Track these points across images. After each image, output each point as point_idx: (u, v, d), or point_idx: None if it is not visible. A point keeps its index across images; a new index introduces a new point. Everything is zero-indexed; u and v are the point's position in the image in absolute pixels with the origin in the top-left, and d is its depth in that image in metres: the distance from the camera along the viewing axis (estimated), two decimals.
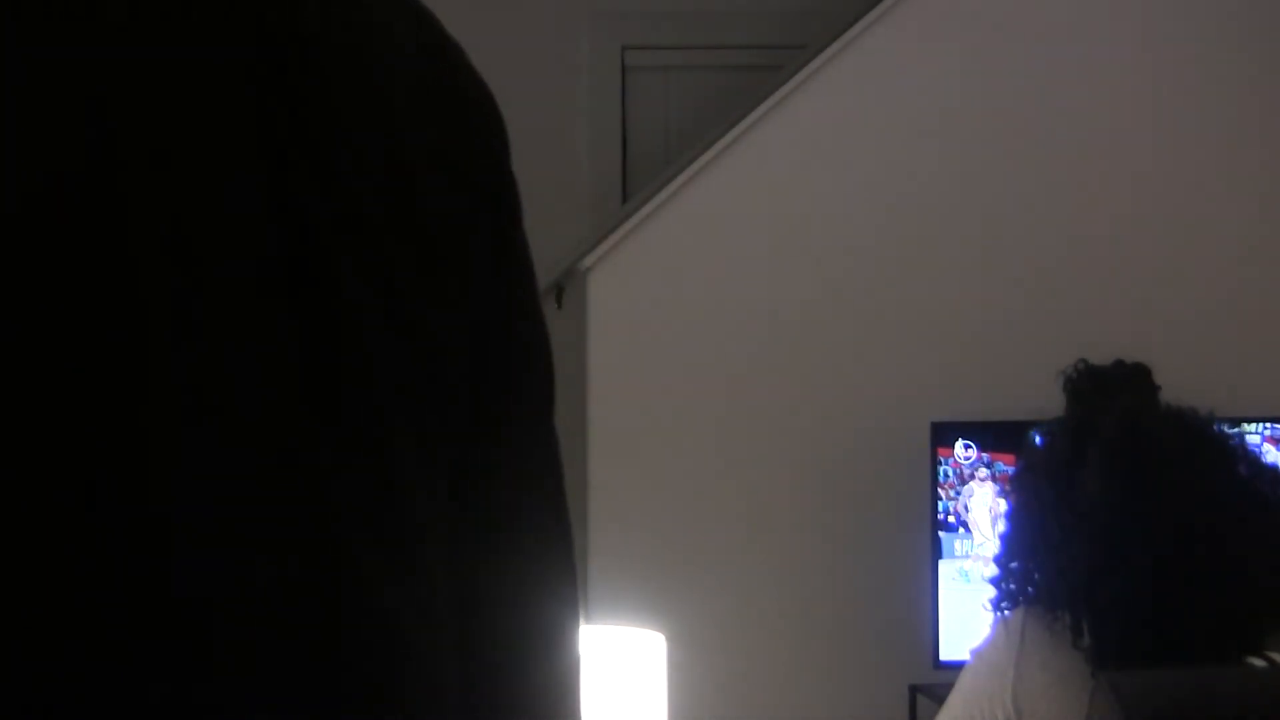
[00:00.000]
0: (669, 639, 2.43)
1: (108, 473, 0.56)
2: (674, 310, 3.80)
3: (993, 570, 2.34)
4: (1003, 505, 3.23)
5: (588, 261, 3.83)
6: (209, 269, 0.59)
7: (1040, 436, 2.34)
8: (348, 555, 0.60)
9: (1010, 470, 3.37)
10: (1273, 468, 2.28)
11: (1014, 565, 2.26)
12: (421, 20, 0.72)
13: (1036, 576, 2.22)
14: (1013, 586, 2.26)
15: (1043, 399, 2.46)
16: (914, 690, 3.62)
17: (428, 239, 0.67)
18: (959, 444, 3.57)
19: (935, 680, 3.47)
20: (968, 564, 3.54)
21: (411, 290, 0.65)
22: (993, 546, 2.54)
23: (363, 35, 0.69)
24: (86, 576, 0.54)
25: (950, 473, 3.56)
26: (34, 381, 0.54)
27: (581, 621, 0.70)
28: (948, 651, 3.48)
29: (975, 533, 3.54)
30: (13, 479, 0.54)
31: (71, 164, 0.57)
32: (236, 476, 0.57)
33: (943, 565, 3.54)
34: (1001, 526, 2.42)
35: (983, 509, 3.54)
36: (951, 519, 3.56)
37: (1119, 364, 2.33)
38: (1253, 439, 3.58)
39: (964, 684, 2.25)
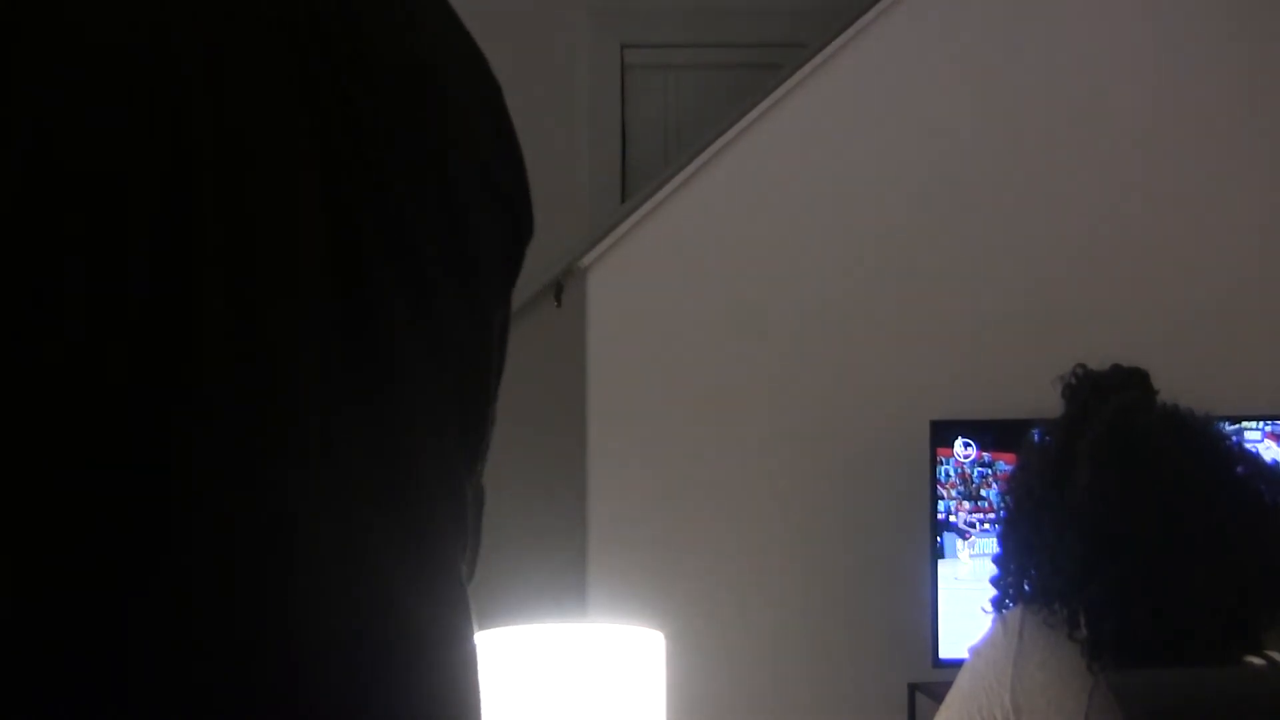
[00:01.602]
0: (668, 637, 2.43)
1: (145, 447, 0.56)
2: (673, 308, 3.80)
3: (992, 570, 2.34)
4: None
5: (587, 260, 3.83)
6: (265, 261, 0.59)
7: (1036, 436, 2.35)
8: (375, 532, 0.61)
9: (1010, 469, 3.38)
10: (1271, 467, 2.28)
11: (1011, 565, 2.26)
12: (461, 30, 0.73)
13: (1033, 574, 2.22)
14: (1010, 585, 2.26)
15: (1042, 398, 2.46)
16: (913, 688, 3.62)
17: (469, 256, 0.68)
18: (959, 443, 3.57)
19: (934, 678, 3.47)
20: (964, 569, 3.55)
21: (447, 304, 0.66)
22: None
23: (415, 39, 0.69)
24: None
25: (952, 472, 3.56)
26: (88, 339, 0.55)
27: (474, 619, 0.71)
28: (947, 650, 3.49)
29: None
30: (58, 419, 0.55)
31: (151, 153, 0.57)
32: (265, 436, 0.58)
33: (943, 565, 3.54)
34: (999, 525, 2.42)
35: None
36: (954, 518, 3.56)
37: (1116, 369, 2.33)
38: (1252, 436, 3.58)
39: (963, 682, 2.25)
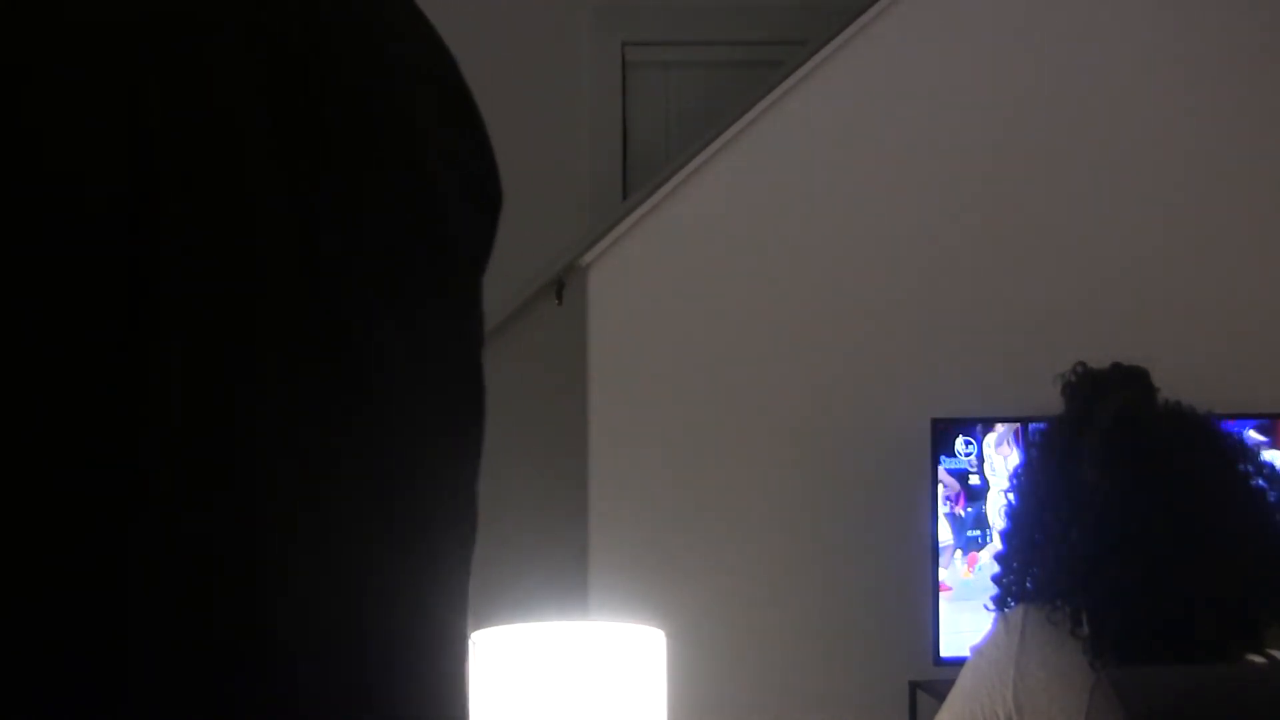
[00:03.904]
0: (669, 636, 2.43)
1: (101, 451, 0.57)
2: (674, 306, 3.80)
3: (995, 567, 2.34)
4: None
5: (588, 258, 3.83)
6: (232, 275, 0.59)
7: (1039, 432, 2.35)
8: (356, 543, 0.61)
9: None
10: (1271, 466, 2.28)
11: (1014, 563, 2.27)
12: (420, 17, 0.72)
13: (1036, 570, 2.22)
14: (1013, 583, 2.26)
15: (1043, 396, 2.47)
16: (914, 687, 3.62)
17: (449, 259, 0.67)
18: (960, 441, 3.57)
19: (935, 677, 3.47)
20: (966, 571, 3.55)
21: (428, 310, 0.66)
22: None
23: (384, 38, 0.69)
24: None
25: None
26: (51, 352, 0.55)
27: (469, 626, 0.70)
28: (948, 648, 3.49)
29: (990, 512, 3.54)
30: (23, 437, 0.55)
31: (113, 167, 0.57)
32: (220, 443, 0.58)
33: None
34: (1003, 523, 2.42)
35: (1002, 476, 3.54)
36: (961, 513, 3.56)
37: (1116, 367, 2.34)
38: (1255, 436, 3.58)
39: (964, 681, 2.25)
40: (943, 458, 3.57)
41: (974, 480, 3.58)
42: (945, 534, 3.57)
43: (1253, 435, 3.57)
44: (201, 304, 0.59)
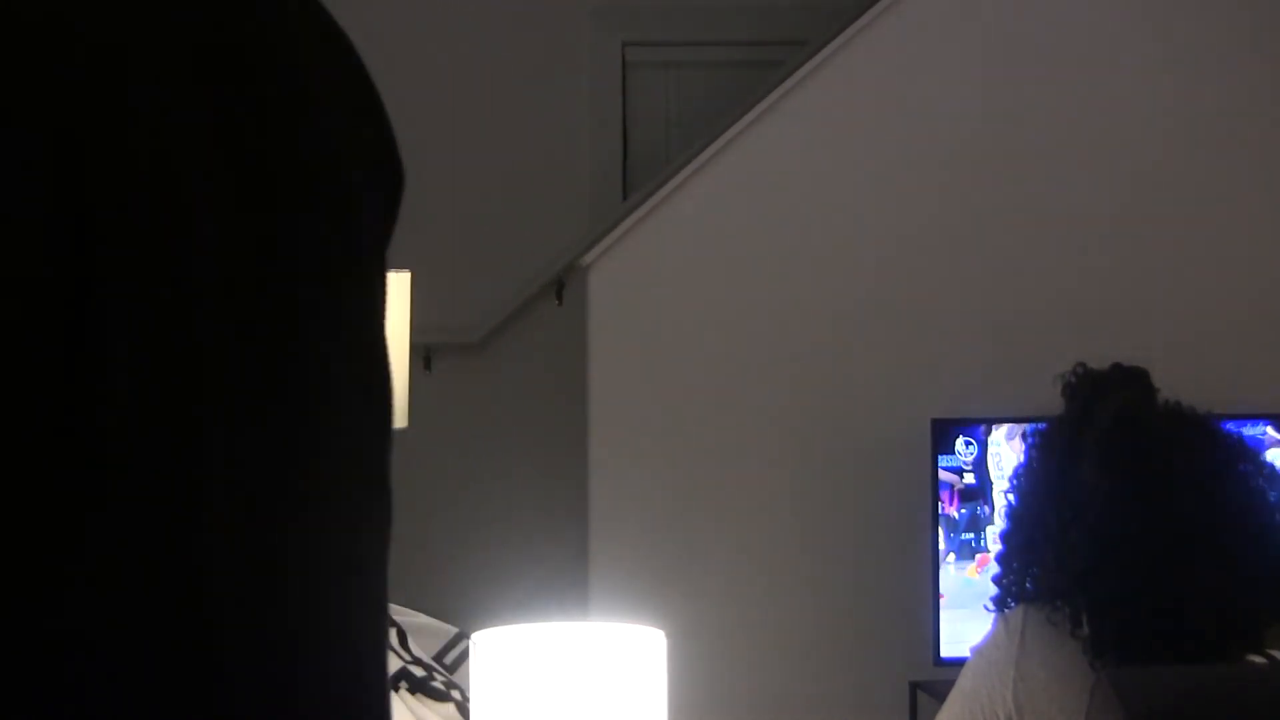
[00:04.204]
0: (670, 636, 2.43)
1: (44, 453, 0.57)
2: (675, 306, 3.80)
3: (994, 568, 2.34)
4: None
5: (588, 258, 3.83)
6: (166, 279, 0.60)
7: (1039, 433, 2.35)
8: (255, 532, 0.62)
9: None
10: (1272, 466, 2.28)
11: (1014, 563, 2.26)
12: (324, 13, 0.72)
13: (1036, 570, 2.22)
14: (1013, 584, 2.26)
15: (1043, 396, 2.46)
16: (914, 687, 3.62)
17: (360, 249, 0.68)
18: (960, 441, 3.57)
19: (936, 677, 3.47)
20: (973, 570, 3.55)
21: (348, 305, 0.67)
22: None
23: (293, 31, 0.69)
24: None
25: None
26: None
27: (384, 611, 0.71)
28: (948, 649, 3.49)
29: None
30: None
31: (37, 165, 0.58)
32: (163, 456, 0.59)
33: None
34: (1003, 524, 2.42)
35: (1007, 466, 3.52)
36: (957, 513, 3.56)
37: (1116, 367, 2.33)
38: (1255, 435, 3.58)
39: (965, 681, 2.25)
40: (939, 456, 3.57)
41: (969, 479, 3.57)
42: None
43: (1272, 433, 3.57)
44: (141, 316, 0.59)
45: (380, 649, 0.67)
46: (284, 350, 0.63)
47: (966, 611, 3.39)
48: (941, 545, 3.55)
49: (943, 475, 3.56)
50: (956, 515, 3.57)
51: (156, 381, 0.59)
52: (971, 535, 3.56)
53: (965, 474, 3.57)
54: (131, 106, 0.60)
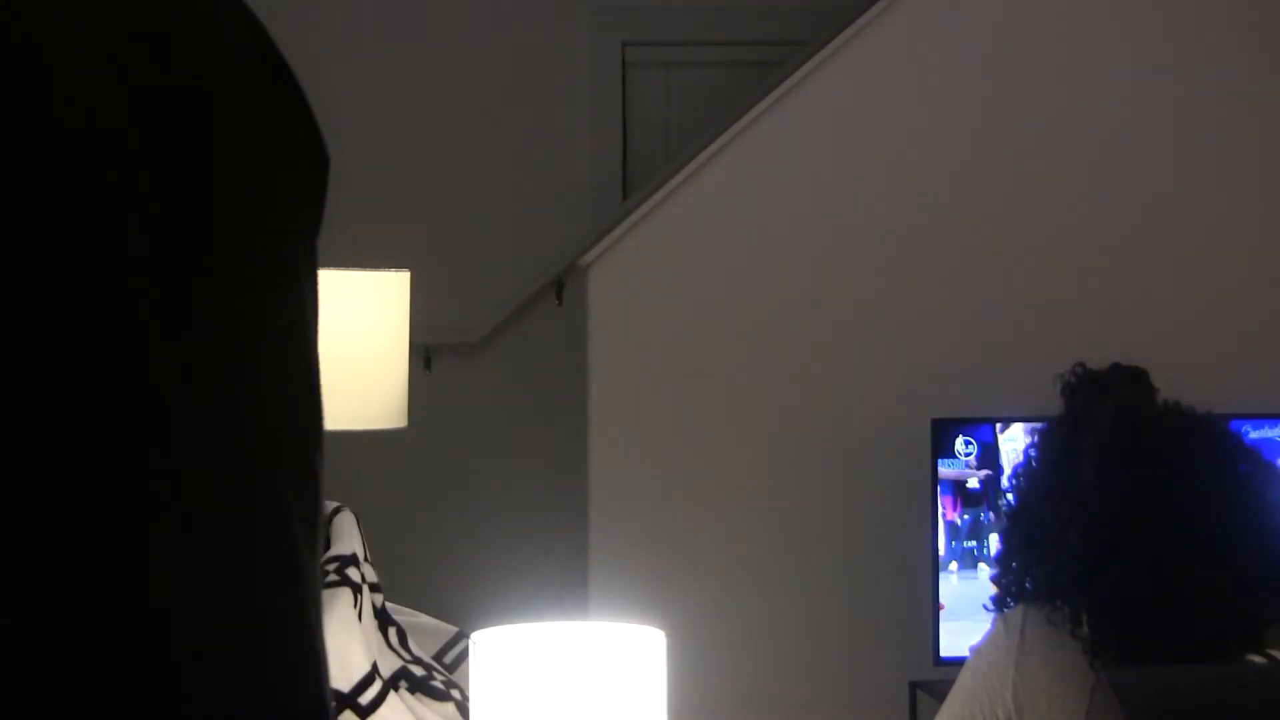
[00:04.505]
0: (670, 635, 2.43)
1: None
2: (674, 306, 3.80)
3: (993, 568, 2.34)
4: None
5: (588, 258, 3.83)
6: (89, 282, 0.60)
7: (1039, 433, 2.35)
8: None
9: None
10: (1272, 466, 2.28)
11: (1013, 563, 2.26)
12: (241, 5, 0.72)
13: (1035, 570, 2.22)
14: (1012, 584, 2.26)
15: (1043, 396, 2.46)
16: (914, 687, 3.62)
17: (280, 236, 0.68)
18: (959, 440, 3.57)
19: (935, 677, 3.47)
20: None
21: (268, 286, 0.67)
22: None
23: (212, 26, 0.69)
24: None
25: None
26: None
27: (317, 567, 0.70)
28: (948, 648, 3.49)
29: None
30: None
31: None
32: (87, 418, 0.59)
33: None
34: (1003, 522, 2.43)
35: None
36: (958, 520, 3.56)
37: (1116, 367, 2.34)
38: (1259, 434, 3.58)
39: (964, 681, 2.25)
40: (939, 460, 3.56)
41: (972, 484, 3.56)
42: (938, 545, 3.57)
43: (1258, 433, 3.57)
44: (70, 308, 0.59)
45: (315, 639, 0.67)
46: (209, 335, 0.63)
47: (967, 623, 3.35)
48: (942, 552, 3.54)
49: (945, 473, 3.55)
50: (959, 521, 3.55)
51: (86, 370, 0.59)
52: (974, 543, 3.55)
53: (970, 479, 3.54)
54: (55, 93, 0.60)
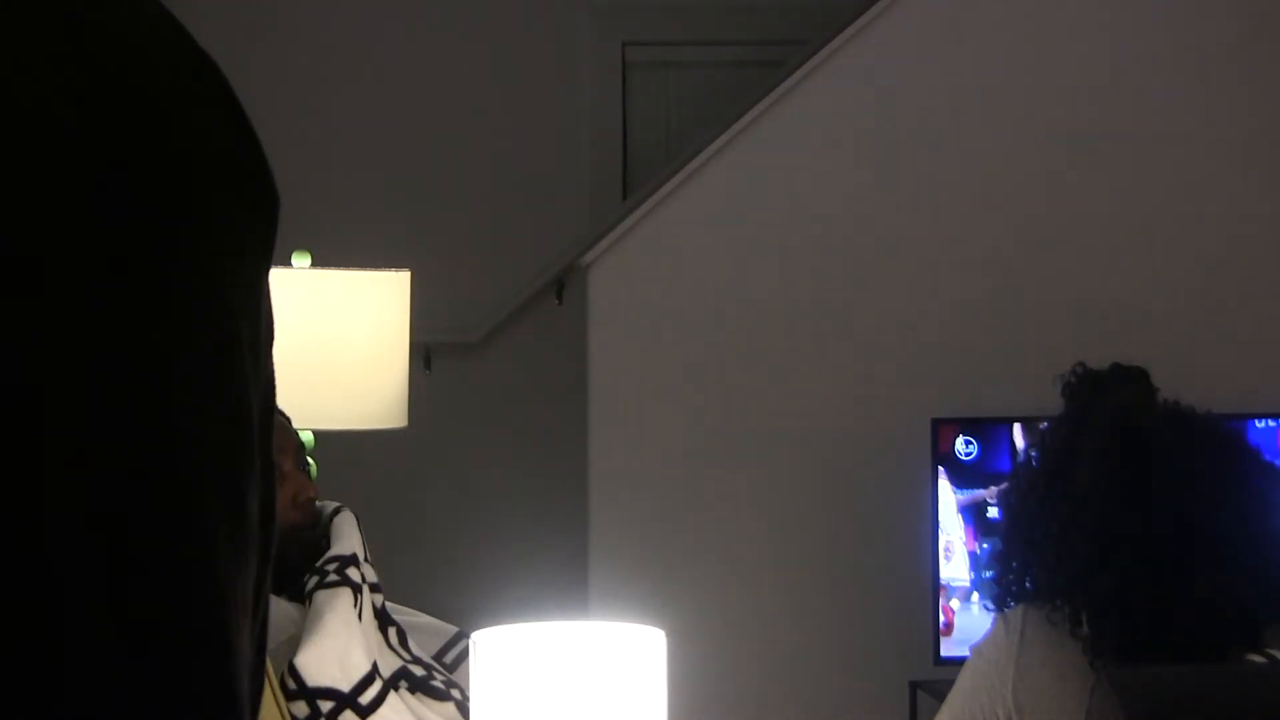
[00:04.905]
0: (670, 635, 2.43)
1: None
2: (674, 306, 3.80)
3: (992, 568, 2.34)
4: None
5: (588, 257, 3.83)
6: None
7: (1039, 433, 2.35)
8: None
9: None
10: (1273, 466, 2.28)
11: (1013, 563, 2.26)
12: (176, 25, 0.72)
13: (1035, 570, 2.22)
14: (1012, 583, 2.26)
15: (1043, 396, 2.46)
16: (914, 686, 3.62)
17: (210, 258, 0.68)
18: (960, 440, 3.57)
19: (936, 676, 3.47)
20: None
21: (203, 310, 0.67)
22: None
23: (143, 39, 0.69)
24: None
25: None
26: None
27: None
28: (948, 648, 3.49)
29: None
30: None
31: None
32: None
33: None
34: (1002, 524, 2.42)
35: None
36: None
37: (1116, 367, 2.33)
38: (1261, 433, 3.58)
39: (964, 681, 2.25)
40: (956, 489, 3.54)
41: (991, 514, 3.49)
42: (960, 572, 3.53)
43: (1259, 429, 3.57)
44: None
45: (233, 648, 0.66)
46: (139, 347, 0.63)
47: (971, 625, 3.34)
48: (966, 581, 3.51)
49: (961, 500, 3.52)
50: (980, 550, 3.52)
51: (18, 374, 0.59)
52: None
53: (990, 507, 3.49)
54: None
